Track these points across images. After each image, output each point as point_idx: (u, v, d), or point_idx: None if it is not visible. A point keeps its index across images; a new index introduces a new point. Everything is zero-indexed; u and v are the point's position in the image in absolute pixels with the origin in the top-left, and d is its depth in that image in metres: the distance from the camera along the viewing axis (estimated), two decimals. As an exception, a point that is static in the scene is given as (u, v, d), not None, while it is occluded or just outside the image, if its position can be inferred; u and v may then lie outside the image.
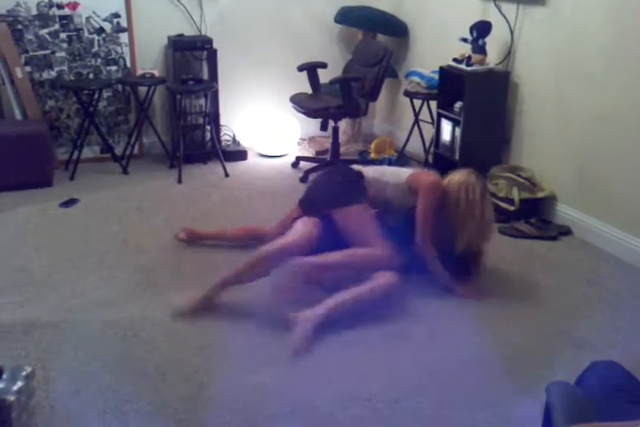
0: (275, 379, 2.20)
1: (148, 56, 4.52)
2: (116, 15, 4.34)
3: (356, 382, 2.19)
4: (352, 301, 2.51)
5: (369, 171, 2.89)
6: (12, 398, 1.59)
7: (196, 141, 4.60)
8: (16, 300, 2.69)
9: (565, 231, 3.44)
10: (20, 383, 1.64)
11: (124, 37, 4.40)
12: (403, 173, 2.87)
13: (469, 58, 3.74)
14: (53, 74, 4.32)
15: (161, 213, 3.65)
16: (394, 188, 2.83)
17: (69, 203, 3.75)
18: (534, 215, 3.51)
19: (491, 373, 2.26)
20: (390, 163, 4.33)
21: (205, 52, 4.48)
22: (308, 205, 2.85)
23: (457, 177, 2.80)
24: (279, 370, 2.26)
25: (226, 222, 3.50)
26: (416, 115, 4.31)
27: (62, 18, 4.23)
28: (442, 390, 2.17)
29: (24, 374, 1.68)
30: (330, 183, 2.88)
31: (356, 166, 2.94)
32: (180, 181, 4.15)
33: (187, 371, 2.24)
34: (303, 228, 2.65)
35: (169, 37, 4.46)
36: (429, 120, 4.27)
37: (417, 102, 4.28)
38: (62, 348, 2.35)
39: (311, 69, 4.40)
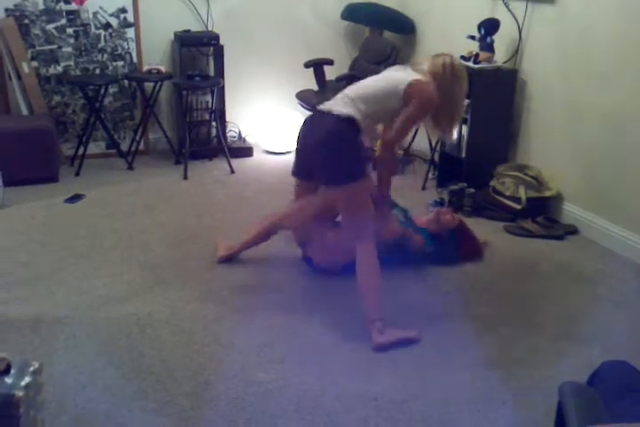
0: (280, 377, 2.20)
1: (155, 52, 4.51)
2: (123, 10, 4.33)
3: (363, 383, 2.19)
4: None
5: (359, 111, 2.57)
6: (20, 393, 1.58)
7: (202, 138, 4.59)
8: (23, 295, 2.69)
9: (572, 231, 3.42)
10: (27, 379, 1.63)
11: (130, 33, 4.39)
12: (396, 98, 2.61)
13: (477, 55, 3.72)
14: (60, 69, 4.31)
15: (166, 210, 3.64)
16: (386, 116, 2.68)
17: (75, 198, 3.75)
18: (541, 214, 3.49)
19: (497, 373, 2.25)
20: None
21: (212, 48, 4.48)
22: (305, 175, 2.89)
23: (439, 60, 2.71)
24: (285, 368, 2.25)
25: (231, 219, 3.50)
26: (423, 112, 4.29)
27: (69, 13, 4.22)
28: (449, 391, 2.16)
29: (31, 369, 1.67)
30: (324, 156, 2.60)
31: (344, 111, 2.56)
32: (185, 178, 4.15)
33: (193, 368, 2.23)
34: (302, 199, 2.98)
35: (175, 33, 4.45)
36: (436, 118, 4.24)
37: (424, 100, 4.26)
38: (68, 344, 2.35)
39: (318, 66, 4.38)
